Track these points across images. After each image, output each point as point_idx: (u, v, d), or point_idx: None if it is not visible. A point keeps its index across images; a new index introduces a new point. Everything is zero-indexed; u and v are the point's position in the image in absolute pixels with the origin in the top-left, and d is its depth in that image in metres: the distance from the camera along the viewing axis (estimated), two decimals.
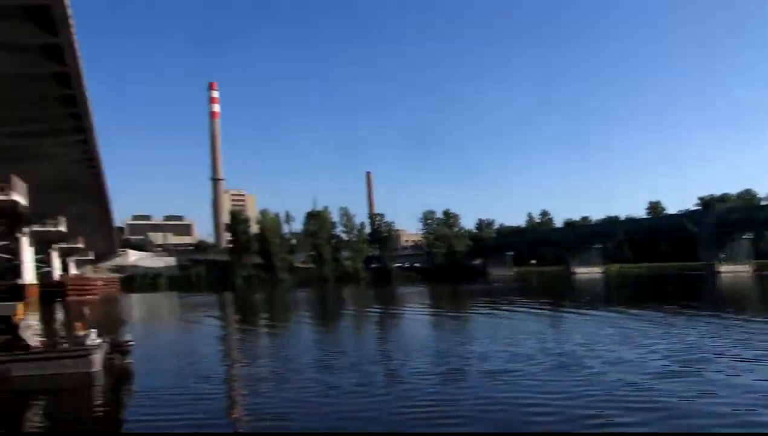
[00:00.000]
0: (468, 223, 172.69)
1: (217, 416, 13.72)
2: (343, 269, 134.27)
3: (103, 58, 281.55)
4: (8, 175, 42.46)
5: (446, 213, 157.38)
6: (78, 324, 19.30)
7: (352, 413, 13.44)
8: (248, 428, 13.20)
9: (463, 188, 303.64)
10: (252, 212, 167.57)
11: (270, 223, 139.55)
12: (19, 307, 18.55)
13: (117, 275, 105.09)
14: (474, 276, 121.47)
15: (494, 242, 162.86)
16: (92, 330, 18.54)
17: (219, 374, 18.99)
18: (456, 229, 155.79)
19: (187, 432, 12.20)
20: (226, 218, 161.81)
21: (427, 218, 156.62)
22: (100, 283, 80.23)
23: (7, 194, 42.61)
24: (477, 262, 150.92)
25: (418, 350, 21.88)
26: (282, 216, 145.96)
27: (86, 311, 22.34)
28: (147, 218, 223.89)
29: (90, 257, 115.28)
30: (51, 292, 66.67)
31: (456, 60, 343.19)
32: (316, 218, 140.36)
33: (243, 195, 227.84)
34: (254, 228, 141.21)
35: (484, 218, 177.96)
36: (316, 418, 13.25)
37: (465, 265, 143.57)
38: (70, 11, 22.35)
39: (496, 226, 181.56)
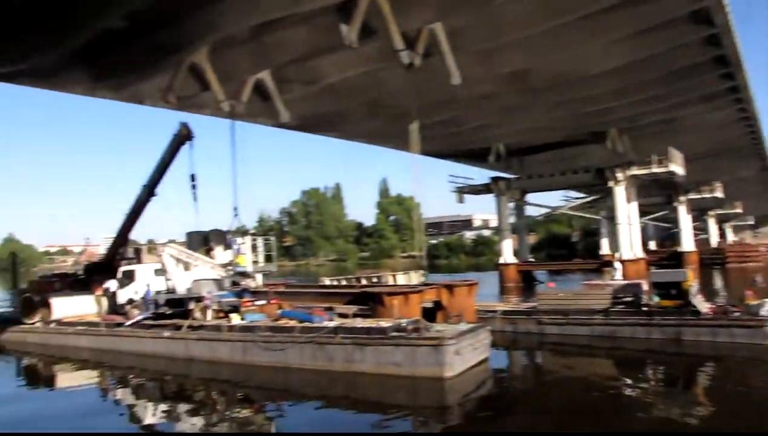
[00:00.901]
0: None
1: None
2: None
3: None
4: (666, 148, 44.51)
5: None
6: (748, 293, 18.40)
7: None
8: None
9: None
10: None
11: None
12: (689, 273, 18.99)
13: None
14: None
15: None
16: (766, 300, 17.40)
17: None
18: None
19: None
20: None
21: None
22: (762, 249, 74.88)
23: (665, 166, 44.80)
24: None
25: None
26: None
27: (759, 278, 21.20)
28: None
29: (749, 223, 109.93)
30: (709, 258, 66.70)
31: None
32: None
33: None
34: None
35: None
36: None
37: None
38: None
39: None
